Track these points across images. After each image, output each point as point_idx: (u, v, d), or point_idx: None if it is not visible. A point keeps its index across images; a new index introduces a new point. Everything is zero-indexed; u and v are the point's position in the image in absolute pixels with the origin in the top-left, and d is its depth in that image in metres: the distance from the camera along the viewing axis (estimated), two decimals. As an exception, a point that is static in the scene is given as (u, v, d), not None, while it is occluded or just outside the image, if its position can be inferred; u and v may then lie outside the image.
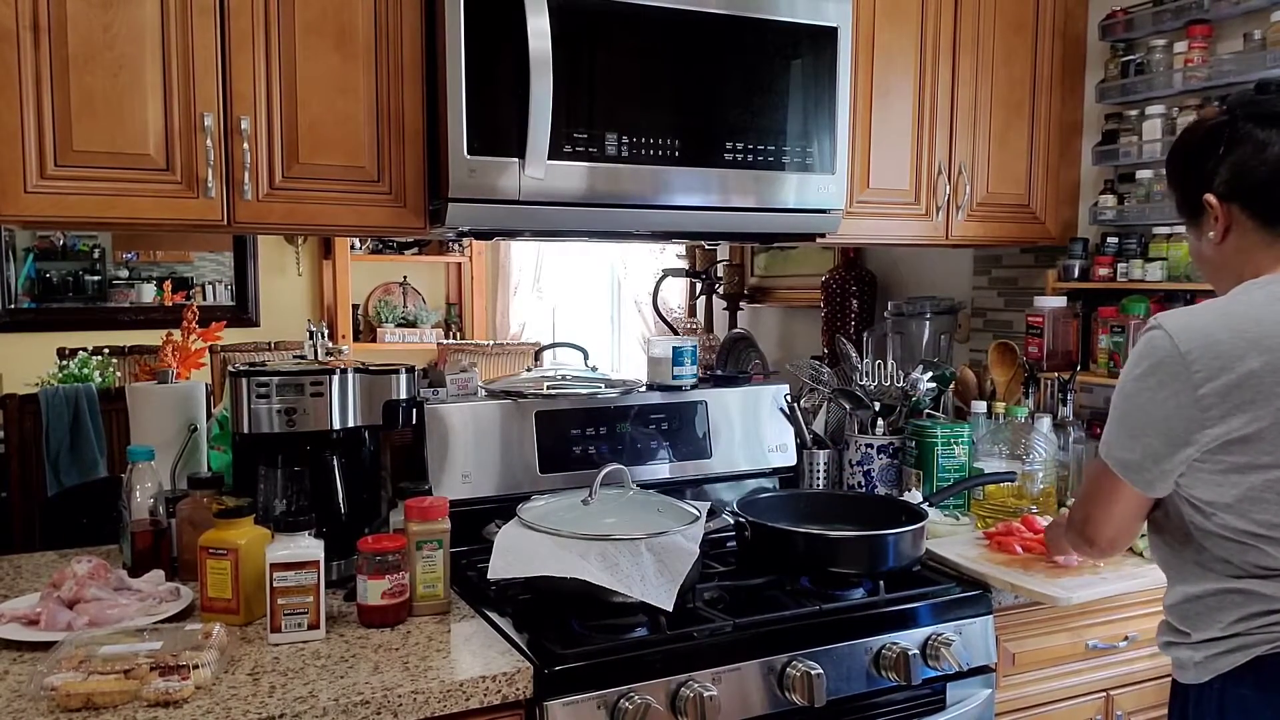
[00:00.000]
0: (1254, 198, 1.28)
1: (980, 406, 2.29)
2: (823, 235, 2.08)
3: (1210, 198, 1.30)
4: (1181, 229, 1.80)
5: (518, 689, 1.42)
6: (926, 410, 2.30)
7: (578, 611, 1.58)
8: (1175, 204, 1.40)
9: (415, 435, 1.98)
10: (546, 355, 2.63)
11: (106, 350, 3.80)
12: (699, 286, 3.74)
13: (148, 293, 5.53)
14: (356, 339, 5.79)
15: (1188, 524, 1.32)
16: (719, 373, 2.80)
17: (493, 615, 1.61)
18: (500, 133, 1.67)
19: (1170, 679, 1.40)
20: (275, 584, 1.49)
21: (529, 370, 2.37)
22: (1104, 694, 1.94)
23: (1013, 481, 2.13)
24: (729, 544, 1.93)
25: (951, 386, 2.43)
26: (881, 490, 2.24)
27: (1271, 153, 1.26)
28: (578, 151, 1.73)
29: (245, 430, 1.73)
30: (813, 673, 1.55)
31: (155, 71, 1.57)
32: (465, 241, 5.84)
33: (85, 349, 3.76)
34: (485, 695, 1.39)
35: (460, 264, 6.16)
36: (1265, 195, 1.28)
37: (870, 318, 2.98)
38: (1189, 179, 1.33)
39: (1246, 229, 1.29)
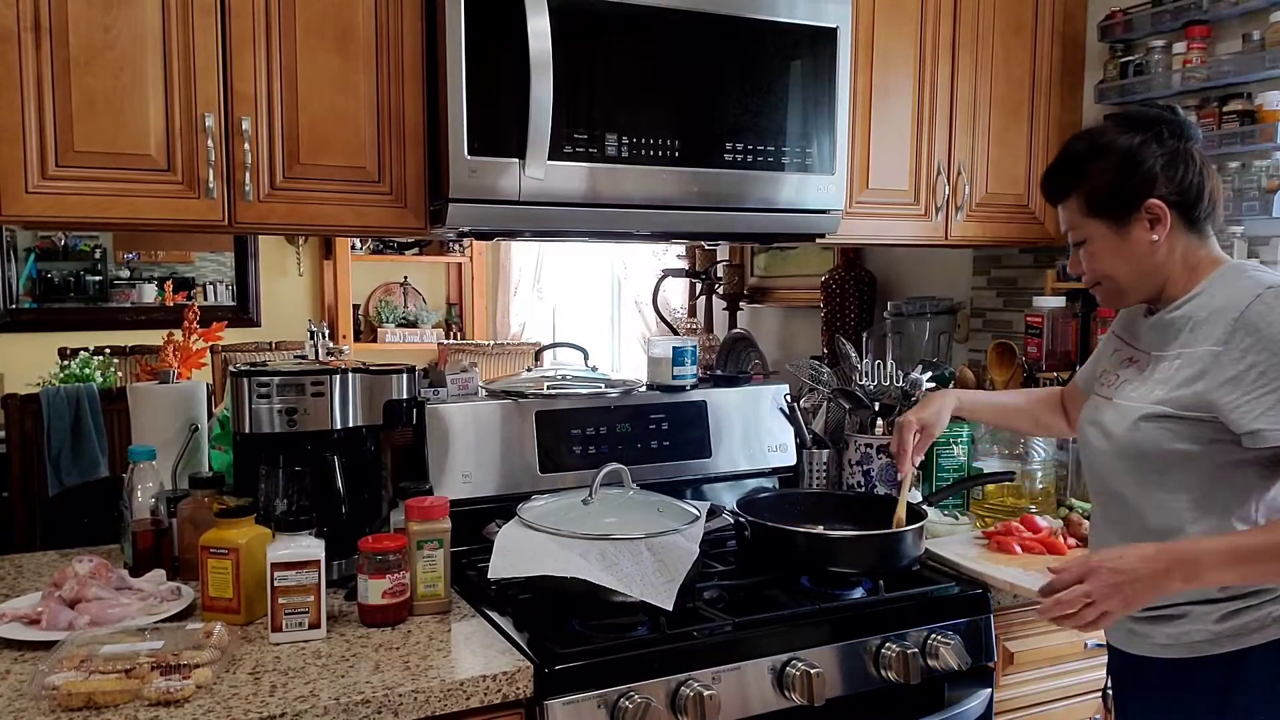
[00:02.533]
0: (1193, 205, 1.43)
1: (980, 406, 2.29)
2: (822, 235, 2.08)
3: (1159, 203, 1.42)
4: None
5: (518, 688, 1.42)
6: (926, 410, 2.30)
7: (578, 611, 1.58)
8: (1086, 205, 1.47)
9: (416, 435, 1.98)
10: (547, 355, 2.64)
11: (108, 350, 3.80)
12: (699, 286, 3.74)
13: (149, 293, 5.54)
14: (357, 339, 5.80)
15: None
16: (719, 373, 2.80)
17: (493, 615, 1.62)
18: (500, 133, 1.67)
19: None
20: (276, 583, 1.49)
21: (529, 370, 2.38)
22: (1102, 693, 1.94)
23: (1011, 481, 2.13)
24: (729, 544, 1.93)
25: (951, 386, 2.43)
26: (881, 490, 2.24)
27: (1204, 167, 1.44)
28: (578, 152, 1.73)
29: (246, 430, 1.73)
30: (812, 672, 1.56)
31: (156, 72, 1.57)
32: (465, 241, 5.84)
33: (86, 349, 3.77)
34: (485, 694, 1.40)
35: (460, 264, 6.16)
36: (1200, 203, 1.43)
37: (870, 318, 2.98)
38: (1127, 185, 1.43)
39: (1179, 232, 1.44)
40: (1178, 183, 1.42)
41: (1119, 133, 1.46)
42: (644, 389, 2.23)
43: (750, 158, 1.88)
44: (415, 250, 6.00)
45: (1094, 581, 1.31)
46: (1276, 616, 1.36)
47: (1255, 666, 1.36)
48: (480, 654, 1.48)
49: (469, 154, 1.66)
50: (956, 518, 2.15)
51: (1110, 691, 1.59)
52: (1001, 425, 2.12)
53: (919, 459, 1.85)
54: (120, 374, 3.79)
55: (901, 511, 1.84)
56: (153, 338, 3.56)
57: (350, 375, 1.78)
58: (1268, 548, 1.31)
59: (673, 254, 4.09)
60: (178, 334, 2.30)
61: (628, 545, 1.53)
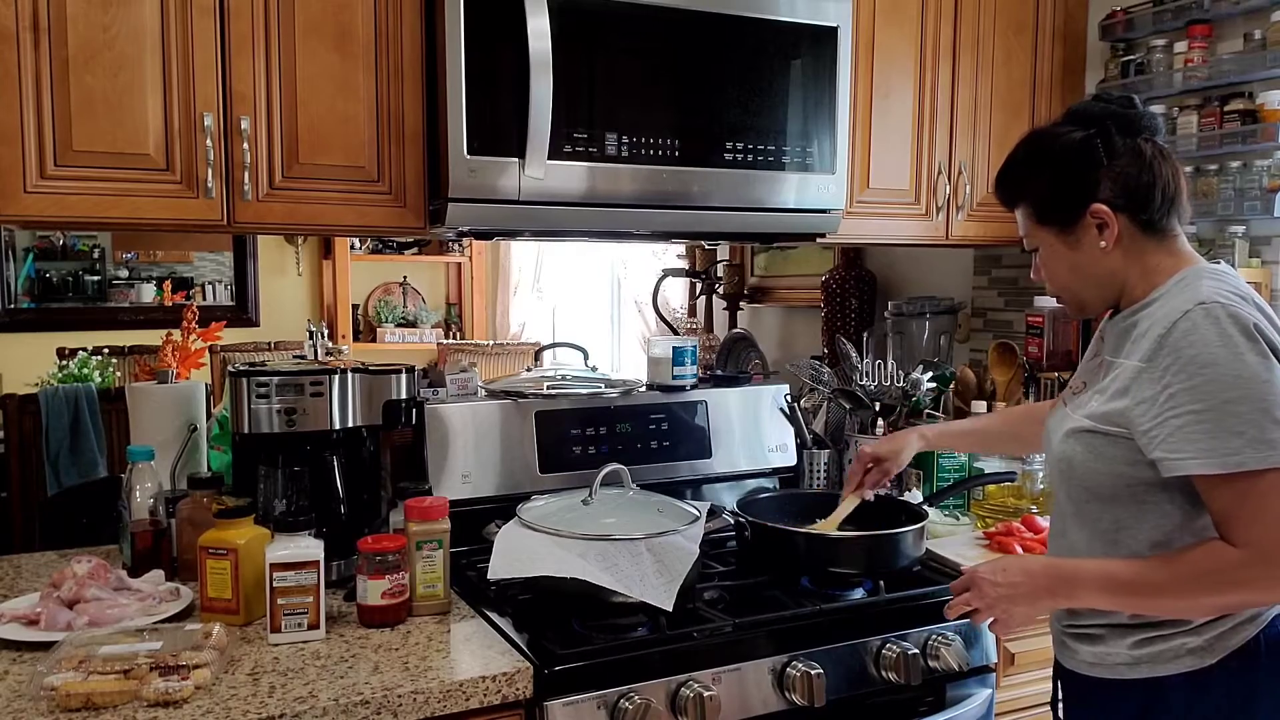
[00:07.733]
0: (1144, 206, 1.35)
1: (980, 406, 2.29)
2: (823, 235, 2.08)
3: (1103, 207, 1.34)
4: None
5: (518, 689, 1.42)
6: (927, 410, 2.30)
7: (578, 611, 1.58)
8: (1034, 214, 1.41)
9: (415, 435, 1.98)
10: (546, 355, 2.64)
11: (106, 350, 3.80)
12: (699, 286, 3.74)
13: (147, 293, 5.53)
14: (356, 339, 5.80)
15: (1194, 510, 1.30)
16: (719, 373, 2.80)
17: (493, 615, 1.61)
18: (500, 133, 1.67)
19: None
20: (275, 584, 1.49)
21: (529, 370, 2.38)
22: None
23: (1013, 481, 2.13)
24: (729, 544, 1.93)
25: (951, 386, 2.43)
26: (882, 490, 2.24)
27: (1155, 162, 1.35)
28: (578, 151, 1.73)
29: (245, 430, 1.73)
30: (813, 673, 1.55)
31: (155, 71, 1.57)
32: (465, 241, 5.84)
33: (85, 349, 3.77)
34: (485, 695, 1.39)
35: (460, 264, 6.16)
36: (1152, 202, 1.35)
37: (870, 318, 2.98)
38: (1067, 191, 1.37)
39: (1132, 236, 1.36)
40: (1123, 184, 1.34)
41: (1061, 134, 1.39)
42: (644, 389, 2.23)
43: (750, 157, 1.88)
44: (415, 250, 6.00)
45: (975, 592, 1.38)
46: (1190, 648, 1.31)
47: (1171, 695, 1.32)
48: (480, 655, 1.47)
49: (468, 153, 1.66)
50: (957, 518, 2.15)
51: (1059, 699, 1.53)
52: (980, 451, 2.07)
53: (869, 493, 1.83)
54: (119, 374, 3.79)
55: (830, 525, 1.81)
56: (151, 338, 3.56)
57: (349, 375, 1.77)
58: (1137, 582, 1.29)
59: (673, 254, 4.08)
60: (176, 334, 2.29)
61: (627, 546, 1.53)
